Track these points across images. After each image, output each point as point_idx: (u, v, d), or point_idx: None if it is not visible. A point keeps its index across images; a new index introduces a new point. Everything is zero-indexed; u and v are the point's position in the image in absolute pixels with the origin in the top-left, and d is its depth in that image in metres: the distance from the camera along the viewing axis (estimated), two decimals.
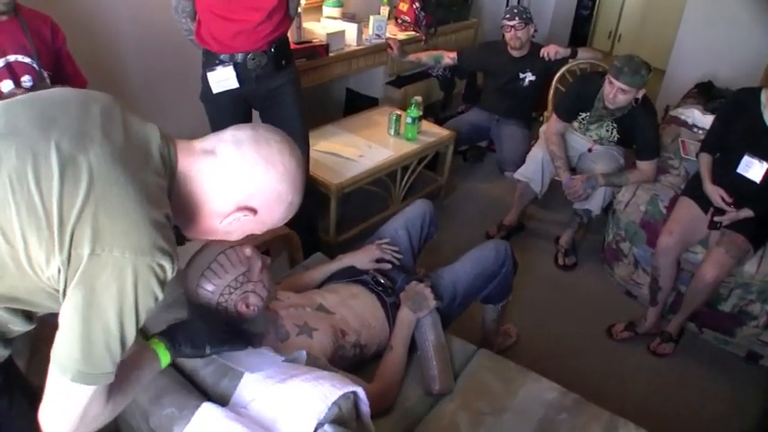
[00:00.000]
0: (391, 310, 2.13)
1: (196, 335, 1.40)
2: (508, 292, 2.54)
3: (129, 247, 1.01)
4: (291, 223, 2.99)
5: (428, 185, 4.01)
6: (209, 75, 2.71)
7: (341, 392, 1.44)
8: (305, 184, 1.28)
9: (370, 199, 3.66)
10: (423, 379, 2.04)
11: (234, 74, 2.70)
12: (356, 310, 2.05)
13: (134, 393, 1.24)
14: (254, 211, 1.20)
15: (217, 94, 2.75)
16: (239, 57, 2.67)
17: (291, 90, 2.87)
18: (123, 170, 1.04)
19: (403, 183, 3.65)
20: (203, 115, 2.93)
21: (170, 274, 1.08)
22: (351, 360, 1.94)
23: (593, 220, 3.59)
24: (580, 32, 7.22)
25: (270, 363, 1.53)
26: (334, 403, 1.41)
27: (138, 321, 1.07)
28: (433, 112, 4.79)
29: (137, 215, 1.02)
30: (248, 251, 1.69)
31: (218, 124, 2.79)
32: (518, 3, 5.65)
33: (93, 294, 1.01)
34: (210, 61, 2.71)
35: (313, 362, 1.64)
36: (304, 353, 1.65)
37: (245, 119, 2.92)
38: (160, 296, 1.08)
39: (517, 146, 3.96)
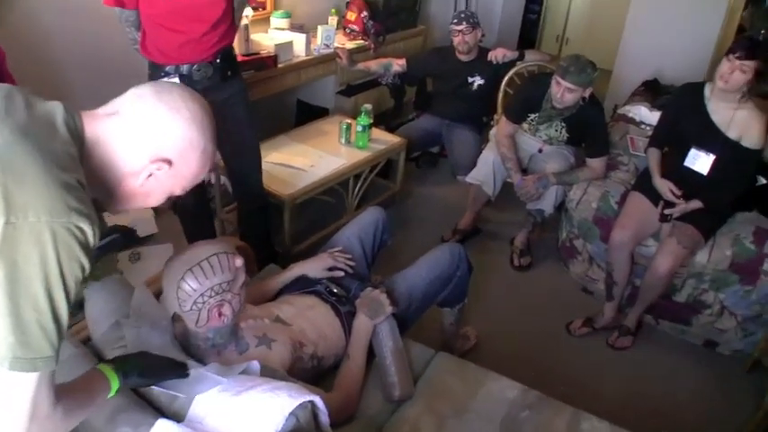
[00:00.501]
0: (346, 320, 2.10)
1: (144, 369, 1.39)
2: (464, 294, 2.54)
3: (42, 210, 0.99)
4: (246, 235, 2.98)
5: (382, 193, 4.01)
6: None
7: (298, 402, 1.41)
8: (216, 133, 1.27)
9: (323, 209, 3.66)
10: (383, 386, 2.01)
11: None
12: (313, 321, 2.02)
13: (86, 411, 1.21)
14: (168, 161, 1.19)
15: None
16: (184, 68, 2.63)
17: (240, 101, 2.86)
18: (28, 141, 1.03)
19: (356, 191, 3.64)
20: None
21: (91, 239, 1.05)
22: (309, 372, 1.91)
23: (546, 220, 3.62)
24: (528, 36, 7.32)
25: (216, 383, 1.49)
26: (292, 413, 1.39)
27: (67, 293, 1.03)
28: (385, 119, 4.79)
29: (46, 178, 1.00)
30: (239, 262, 1.67)
31: None
32: (466, 7, 5.69)
33: (16, 268, 0.98)
34: (156, 73, 2.67)
35: (270, 374, 1.61)
36: (256, 363, 1.62)
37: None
38: (86, 264, 1.05)
39: (469, 150, 3.97)
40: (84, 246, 1.04)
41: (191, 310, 1.61)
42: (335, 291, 2.19)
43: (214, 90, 2.67)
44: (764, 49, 2.69)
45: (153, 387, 1.50)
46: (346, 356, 1.99)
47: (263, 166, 3.12)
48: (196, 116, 1.21)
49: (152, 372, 1.41)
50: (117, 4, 2.52)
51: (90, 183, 1.12)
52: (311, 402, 1.47)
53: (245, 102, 2.89)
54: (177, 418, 1.47)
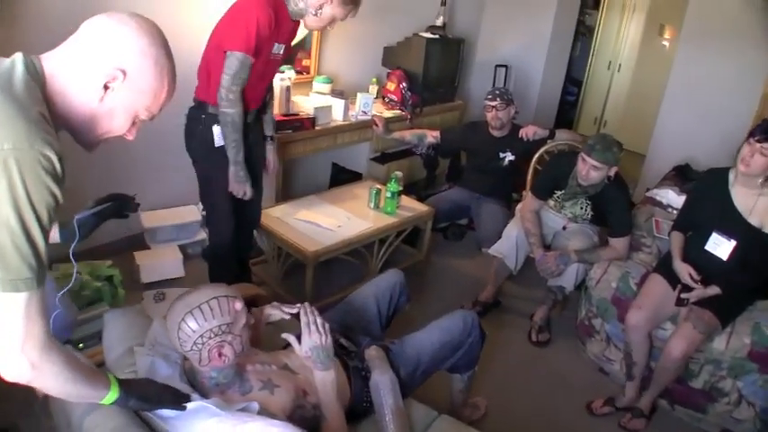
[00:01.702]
0: (353, 374, 2.13)
1: (144, 392, 1.49)
2: (475, 362, 2.55)
3: (5, 138, 1.07)
4: (220, 255, 3.11)
5: (406, 260, 4.05)
6: (216, 129, 2.84)
7: None
8: (169, 49, 1.33)
9: (347, 270, 3.71)
10: None
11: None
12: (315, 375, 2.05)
13: (75, 383, 1.29)
14: (122, 71, 1.24)
15: (218, 147, 2.87)
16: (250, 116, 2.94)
17: (262, 144, 3.14)
18: None
19: (380, 255, 3.69)
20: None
21: (58, 167, 1.13)
22: (310, 421, 1.94)
23: (567, 297, 3.63)
24: (566, 118, 7.41)
25: (212, 415, 1.55)
26: None
27: (38, 218, 1.11)
28: (417, 189, 4.88)
29: (9, 112, 1.09)
30: (239, 305, 1.75)
31: (213, 181, 2.97)
32: (504, 85, 5.83)
33: None
34: (214, 117, 2.82)
35: (269, 416, 1.66)
36: (256, 404, 1.67)
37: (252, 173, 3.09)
38: (56, 191, 1.13)
39: (495, 223, 4.00)
40: (52, 173, 1.12)
41: (191, 350, 1.69)
42: (345, 345, 2.23)
43: (251, 132, 2.99)
44: None
45: (153, 416, 1.58)
46: (322, 417, 1.95)
47: (291, 222, 3.32)
48: (144, 28, 1.28)
49: (153, 398, 1.50)
50: (249, 52, 2.70)
51: (55, 117, 1.21)
52: None
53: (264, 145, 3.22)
54: None
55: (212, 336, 1.68)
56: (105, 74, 1.23)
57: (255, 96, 2.94)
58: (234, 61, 2.68)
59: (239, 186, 2.94)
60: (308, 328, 1.96)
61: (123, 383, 1.43)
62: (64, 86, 1.24)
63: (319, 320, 1.98)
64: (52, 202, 1.14)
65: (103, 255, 3.39)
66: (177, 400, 1.54)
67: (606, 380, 3.38)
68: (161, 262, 3.67)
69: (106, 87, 1.25)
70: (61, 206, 1.18)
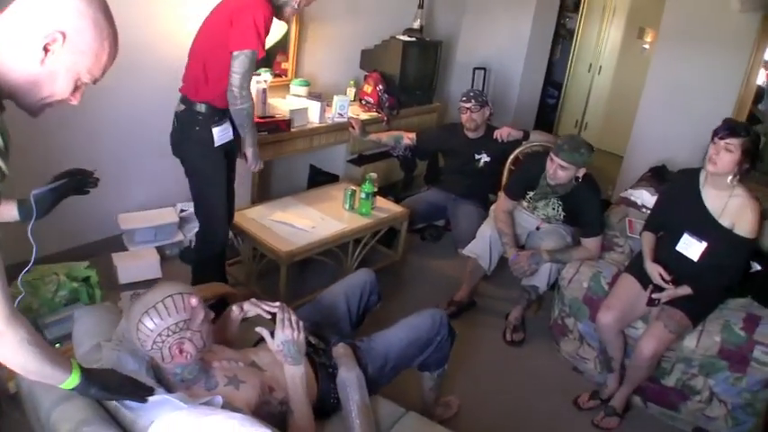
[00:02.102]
0: (320, 371, 2.14)
1: (106, 381, 1.51)
2: (444, 360, 2.56)
3: None
4: (213, 256, 3.13)
5: (382, 260, 4.07)
6: (215, 129, 2.96)
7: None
8: (110, 13, 1.33)
9: (323, 270, 3.73)
10: None
11: (231, 127, 3.04)
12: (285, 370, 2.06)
13: (38, 360, 1.33)
14: (61, 33, 1.23)
15: (216, 147, 2.97)
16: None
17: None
18: None
19: (355, 255, 3.70)
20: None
21: (1, 142, 1.16)
22: (277, 417, 1.94)
23: (541, 297, 3.65)
24: (546, 120, 7.45)
25: (175, 409, 1.56)
26: None
27: None
28: (394, 191, 4.89)
29: None
30: (194, 301, 1.77)
31: (212, 181, 3.06)
32: (483, 88, 5.85)
33: None
34: (212, 117, 2.95)
35: (232, 410, 1.67)
36: (220, 398, 1.69)
37: (231, 169, 3.23)
38: (2, 165, 1.16)
39: (472, 225, 3.99)
40: None
41: (152, 349, 1.71)
42: (313, 342, 2.23)
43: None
44: (745, 127, 2.76)
45: (118, 406, 1.60)
46: (290, 411, 1.97)
47: (266, 223, 3.38)
48: None
49: (114, 388, 1.52)
50: (259, 49, 2.84)
51: (7, 93, 1.23)
52: None
53: None
54: None
55: (170, 333, 1.70)
56: (44, 36, 1.22)
57: None
58: (244, 60, 2.80)
59: (257, 163, 3.24)
60: (282, 323, 1.99)
61: (86, 371, 1.45)
62: (3, 52, 1.23)
63: (294, 317, 2.02)
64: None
65: (81, 256, 3.38)
66: (139, 393, 1.56)
67: (580, 378, 3.41)
68: (138, 263, 3.67)
69: (46, 50, 1.24)
70: (10, 181, 1.21)
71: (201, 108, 2.92)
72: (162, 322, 1.69)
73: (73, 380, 1.41)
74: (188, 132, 2.98)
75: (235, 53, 2.79)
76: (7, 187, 1.22)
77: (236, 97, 2.85)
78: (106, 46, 1.32)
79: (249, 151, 3.16)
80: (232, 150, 3.17)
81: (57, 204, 1.84)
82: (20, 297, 1.87)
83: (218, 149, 2.99)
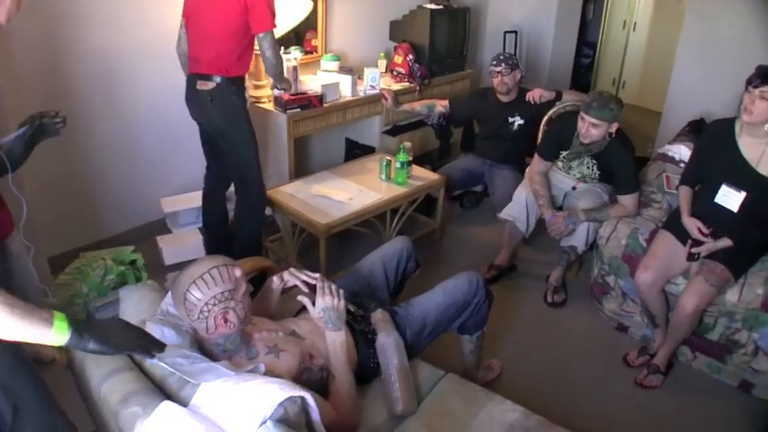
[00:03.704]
0: (360, 337, 2.19)
1: (107, 334, 1.42)
2: (483, 323, 2.59)
3: None
4: (257, 222, 3.48)
5: (421, 229, 4.10)
6: (246, 94, 3.41)
7: (287, 395, 1.54)
8: None
9: (362, 241, 3.78)
10: (387, 400, 2.10)
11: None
12: (326, 336, 2.12)
13: (14, 315, 1.27)
14: None
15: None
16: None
17: None
18: None
19: (393, 225, 3.74)
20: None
21: None
22: (318, 383, 2.00)
23: (581, 257, 3.64)
24: (582, 80, 7.36)
25: (222, 375, 1.63)
26: (281, 404, 1.51)
27: None
28: (431, 160, 4.91)
29: None
30: (238, 272, 1.85)
31: (251, 140, 3.32)
32: (515, 51, 5.80)
33: None
34: (242, 85, 3.30)
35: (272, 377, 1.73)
36: (262, 366, 1.77)
37: None
38: None
39: (509, 189, 3.96)
40: None
41: (198, 318, 1.79)
42: (351, 309, 2.27)
43: None
44: None
45: (164, 366, 1.65)
46: (331, 377, 2.02)
47: (303, 197, 3.54)
48: None
49: (114, 341, 1.43)
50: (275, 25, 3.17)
51: None
52: (302, 398, 1.58)
53: None
54: (184, 403, 1.61)
55: (216, 302, 1.78)
56: None
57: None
58: (270, 39, 3.13)
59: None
60: (322, 290, 2.05)
61: (78, 323, 1.36)
62: None
63: (334, 286, 2.08)
64: None
65: (127, 242, 3.50)
66: (147, 347, 1.51)
67: (624, 337, 3.41)
68: (182, 244, 3.75)
69: None
70: None
71: (235, 81, 3.20)
72: (209, 291, 1.77)
73: (60, 334, 1.32)
74: (227, 103, 3.17)
75: (260, 35, 3.11)
76: None
77: (278, 72, 3.35)
78: None
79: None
80: None
81: (30, 151, 1.88)
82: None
83: (249, 110, 3.32)
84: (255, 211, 3.46)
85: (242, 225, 3.50)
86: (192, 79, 3.20)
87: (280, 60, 3.32)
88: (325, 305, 2.04)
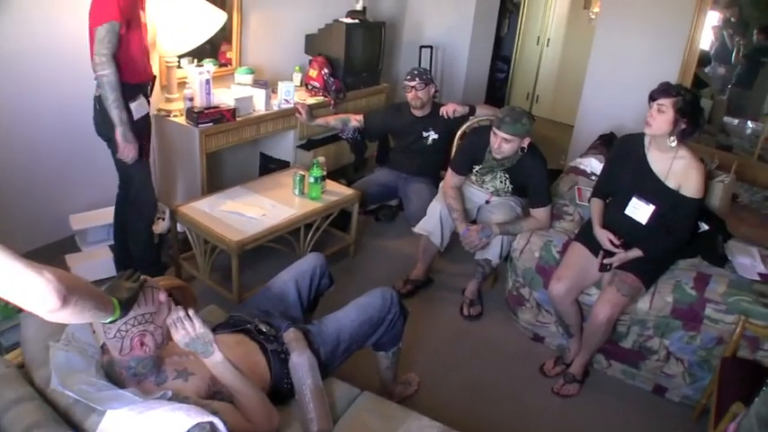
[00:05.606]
0: (272, 357, 2.13)
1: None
2: (398, 338, 2.56)
3: None
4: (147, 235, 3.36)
5: (337, 243, 4.06)
6: (132, 105, 3.04)
7: (195, 422, 1.49)
8: None
9: (276, 258, 3.71)
10: (302, 421, 2.04)
11: (146, 102, 3.19)
12: (239, 357, 2.03)
13: (83, 295, 1.34)
14: None
15: (136, 120, 3.07)
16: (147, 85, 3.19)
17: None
18: None
19: (308, 240, 3.69)
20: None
21: None
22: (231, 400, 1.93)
23: (495, 270, 3.66)
24: (497, 95, 7.48)
25: (129, 403, 1.56)
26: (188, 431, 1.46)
27: None
28: (346, 174, 4.87)
29: None
30: (162, 297, 1.80)
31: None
32: (430, 66, 5.84)
33: None
34: (130, 93, 3.01)
35: (180, 401, 1.67)
36: (169, 392, 1.70)
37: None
38: None
39: (423, 202, 3.96)
40: None
41: (114, 337, 1.70)
42: (264, 330, 2.22)
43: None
44: (678, 88, 2.78)
45: (69, 394, 1.60)
46: (234, 398, 1.91)
47: (216, 214, 3.41)
48: None
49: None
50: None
51: None
52: (210, 423, 1.53)
53: None
54: None
55: (135, 324, 1.71)
56: None
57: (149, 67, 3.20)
58: (101, 31, 2.81)
59: (127, 149, 3.07)
60: (174, 326, 1.87)
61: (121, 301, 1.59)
62: None
63: (181, 314, 1.88)
64: None
65: (35, 260, 3.31)
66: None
67: (540, 347, 3.45)
68: (92, 262, 3.61)
69: None
70: None
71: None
72: (130, 311, 1.69)
73: (115, 315, 1.55)
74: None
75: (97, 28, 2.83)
76: None
77: (96, 63, 2.85)
78: None
79: (118, 132, 2.98)
80: (147, 126, 3.31)
81: None
82: None
83: (136, 124, 3.08)
84: (145, 214, 3.40)
85: (133, 233, 3.47)
86: None
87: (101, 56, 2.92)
88: (184, 339, 1.87)
